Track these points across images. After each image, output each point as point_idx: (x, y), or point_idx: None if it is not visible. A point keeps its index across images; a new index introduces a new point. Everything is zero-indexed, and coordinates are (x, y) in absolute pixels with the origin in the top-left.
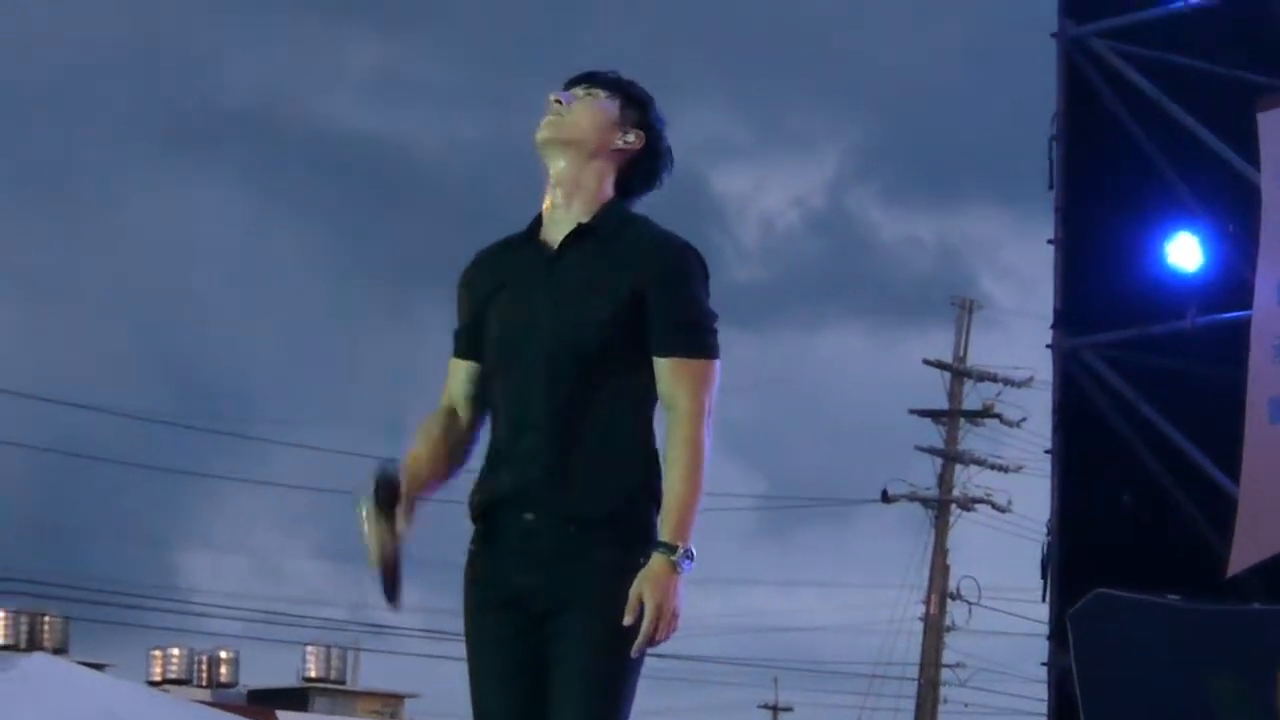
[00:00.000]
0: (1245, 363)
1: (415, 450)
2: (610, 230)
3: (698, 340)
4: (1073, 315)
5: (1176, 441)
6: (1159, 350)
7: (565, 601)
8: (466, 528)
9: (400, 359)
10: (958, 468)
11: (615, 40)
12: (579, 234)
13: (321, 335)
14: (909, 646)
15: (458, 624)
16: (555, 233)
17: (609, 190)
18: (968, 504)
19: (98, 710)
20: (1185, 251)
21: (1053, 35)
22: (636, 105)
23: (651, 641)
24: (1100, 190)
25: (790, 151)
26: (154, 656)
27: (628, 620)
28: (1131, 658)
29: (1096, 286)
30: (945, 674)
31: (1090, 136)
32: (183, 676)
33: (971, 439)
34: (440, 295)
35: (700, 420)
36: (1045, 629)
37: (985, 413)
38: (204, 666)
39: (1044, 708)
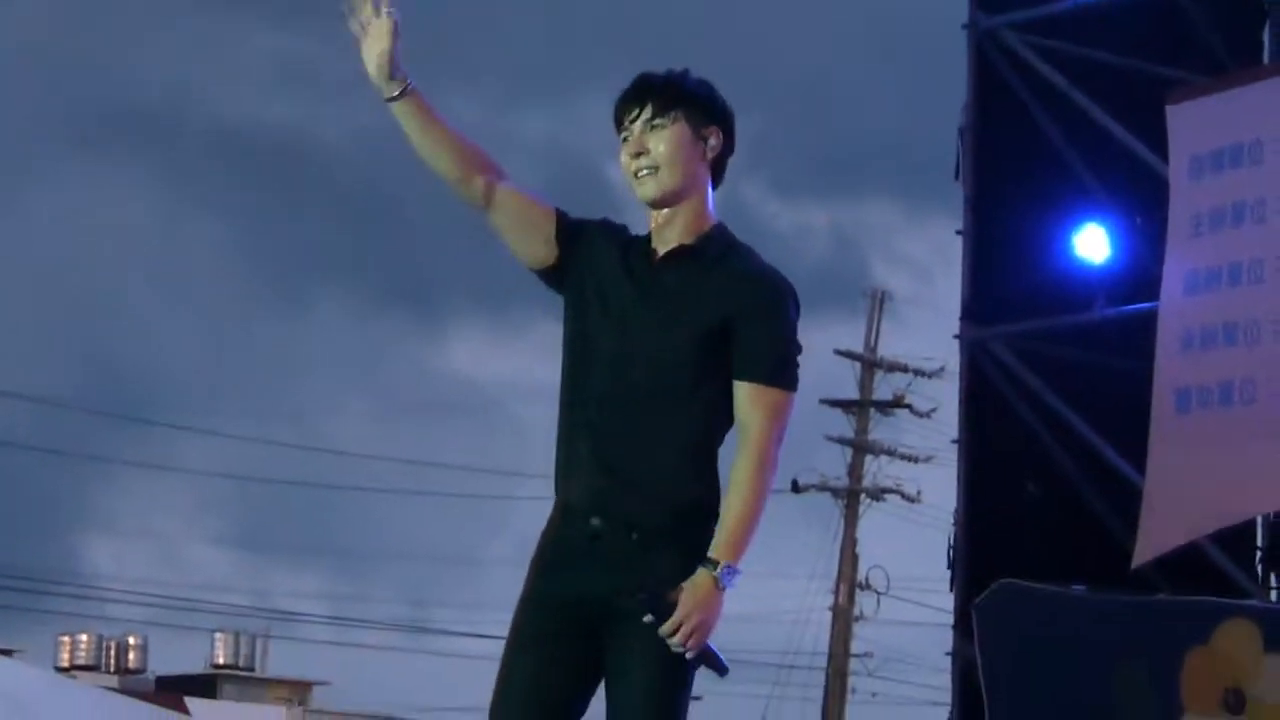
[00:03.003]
0: (1152, 354)
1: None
2: (712, 257)
3: (779, 371)
4: (980, 306)
5: (1083, 433)
6: (1066, 341)
7: (625, 611)
8: (375, 514)
9: (302, 349)
10: (868, 458)
11: (515, 30)
12: (680, 254)
13: (226, 324)
14: (818, 636)
15: (363, 610)
16: (661, 248)
17: (708, 204)
18: (877, 494)
19: (2, 697)
20: (1093, 243)
21: (963, 27)
22: (699, 106)
23: (677, 637)
24: (1008, 182)
25: None
26: (62, 643)
27: (665, 627)
28: (1035, 647)
29: (1004, 278)
30: (854, 664)
31: (999, 128)
32: (91, 663)
33: (882, 429)
34: (342, 286)
35: (769, 446)
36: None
37: (896, 403)
38: (112, 653)
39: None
